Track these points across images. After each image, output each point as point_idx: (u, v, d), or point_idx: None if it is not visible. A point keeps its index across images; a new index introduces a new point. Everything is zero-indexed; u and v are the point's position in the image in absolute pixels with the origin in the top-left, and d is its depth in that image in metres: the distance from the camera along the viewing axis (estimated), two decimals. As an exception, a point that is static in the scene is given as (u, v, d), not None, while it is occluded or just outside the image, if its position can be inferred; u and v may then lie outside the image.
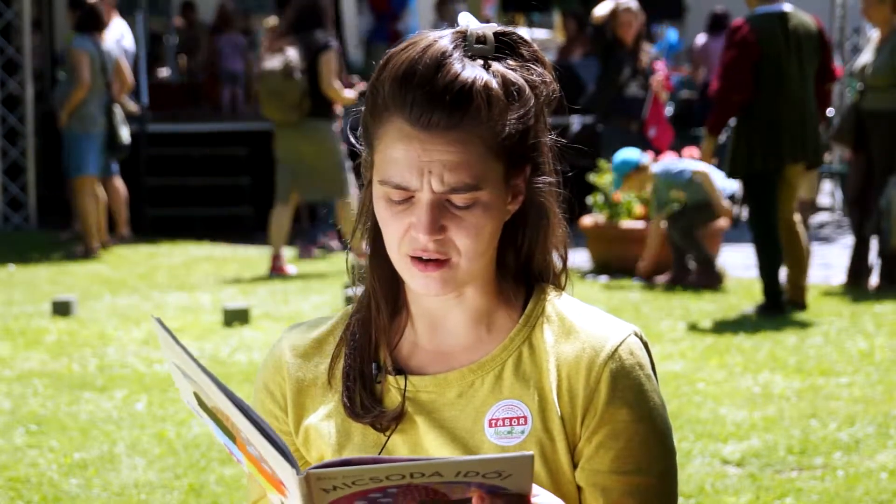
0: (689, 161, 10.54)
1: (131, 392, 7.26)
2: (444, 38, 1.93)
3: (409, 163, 1.89)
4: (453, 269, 1.93)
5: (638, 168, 10.44)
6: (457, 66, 1.89)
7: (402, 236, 1.92)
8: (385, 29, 19.83)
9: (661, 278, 10.46)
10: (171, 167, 14.83)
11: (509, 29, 1.97)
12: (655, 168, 10.46)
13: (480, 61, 1.91)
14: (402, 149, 1.89)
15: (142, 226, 14.20)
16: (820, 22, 9.55)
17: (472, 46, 1.92)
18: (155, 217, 14.46)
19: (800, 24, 9.32)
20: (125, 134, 12.62)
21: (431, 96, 1.88)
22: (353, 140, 2.01)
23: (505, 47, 1.95)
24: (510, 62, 1.94)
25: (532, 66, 1.95)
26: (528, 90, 1.93)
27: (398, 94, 1.90)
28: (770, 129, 9.15)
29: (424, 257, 1.92)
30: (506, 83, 1.91)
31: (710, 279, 10.30)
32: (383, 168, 1.92)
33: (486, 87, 1.89)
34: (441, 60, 1.89)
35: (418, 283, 1.94)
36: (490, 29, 1.95)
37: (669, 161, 10.63)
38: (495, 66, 1.92)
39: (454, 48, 1.91)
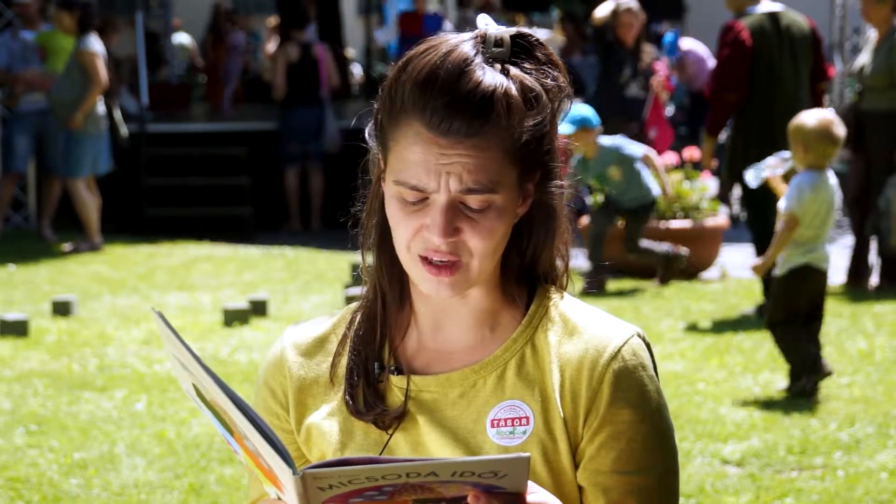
0: (640, 145, 10.47)
1: (131, 392, 7.26)
2: (465, 44, 1.93)
3: (426, 165, 1.89)
4: (464, 271, 1.93)
5: (587, 129, 10.22)
6: (478, 73, 1.89)
7: (414, 236, 1.92)
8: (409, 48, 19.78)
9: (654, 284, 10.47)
10: (171, 167, 14.82)
11: (525, 31, 1.97)
12: (607, 141, 10.35)
13: (499, 66, 1.91)
14: (419, 152, 1.89)
15: (142, 226, 14.20)
16: (812, 21, 9.57)
17: (491, 50, 1.92)
18: (155, 217, 14.46)
19: (792, 23, 9.34)
20: (124, 127, 12.73)
21: (452, 104, 1.88)
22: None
23: (521, 50, 1.95)
24: (526, 65, 1.94)
25: (547, 69, 1.96)
26: (544, 96, 1.93)
27: (418, 99, 1.89)
28: (766, 128, 9.16)
29: (436, 259, 1.91)
30: (524, 89, 1.91)
31: (673, 270, 10.34)
32: (399, 168, 1.92)
33: (507, 94, 1.89)
34: (463, 67, 1.89)
35: (429, 287, 1.94)
36: (507, 32, 1.95)
37: (624, 141, 10.53)
38: (513, 70, 1.92)
39: (475, 54, 1.91)
